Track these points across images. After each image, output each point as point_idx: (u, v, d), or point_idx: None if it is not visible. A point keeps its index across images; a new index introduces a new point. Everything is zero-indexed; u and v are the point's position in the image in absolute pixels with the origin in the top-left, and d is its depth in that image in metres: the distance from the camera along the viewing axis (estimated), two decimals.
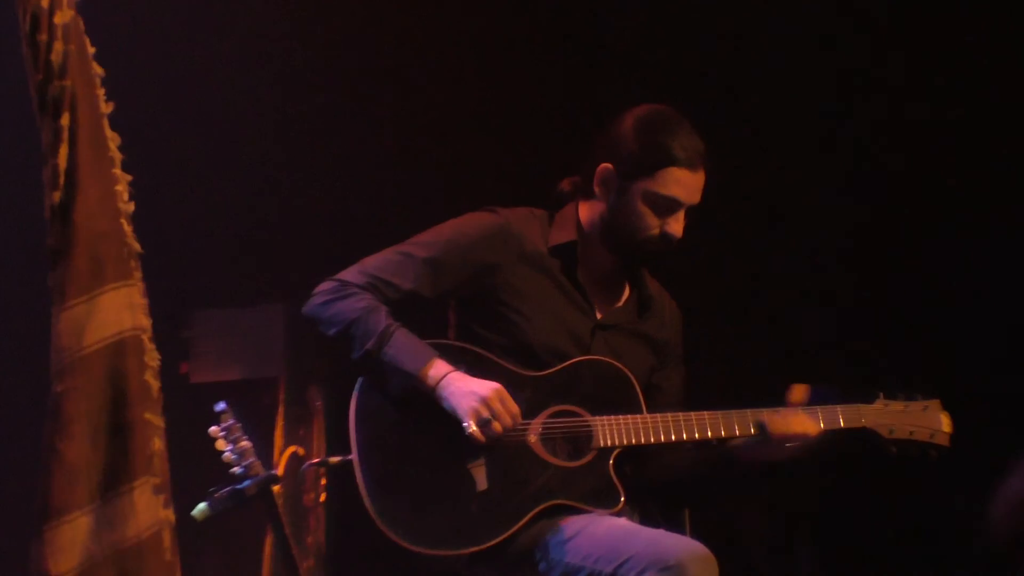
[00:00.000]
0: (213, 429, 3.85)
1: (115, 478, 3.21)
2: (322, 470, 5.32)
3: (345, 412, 3.92)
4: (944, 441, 3.96)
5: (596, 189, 4.03)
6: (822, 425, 3.90)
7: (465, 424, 3.78)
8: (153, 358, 3.34)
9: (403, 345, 3.85)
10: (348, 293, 3.91)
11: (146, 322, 3.35)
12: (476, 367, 3.89)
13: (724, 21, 5.45)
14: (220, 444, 3.87)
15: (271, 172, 5.49)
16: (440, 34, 5.48)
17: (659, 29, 5.48)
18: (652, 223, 3.98)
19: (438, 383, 3.82)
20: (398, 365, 3.84)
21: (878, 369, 4.93)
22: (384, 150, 5.53)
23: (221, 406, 3.89)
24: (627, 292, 4.15)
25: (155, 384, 3.34)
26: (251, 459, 3.87)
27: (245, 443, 3.88)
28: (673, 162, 3.96)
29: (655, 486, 4.09)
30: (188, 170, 5.24)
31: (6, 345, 4.98)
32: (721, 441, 3.93)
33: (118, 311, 3.30)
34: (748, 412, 3.90)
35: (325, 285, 3.95)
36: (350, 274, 3.95)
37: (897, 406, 3.97)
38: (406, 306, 3.94)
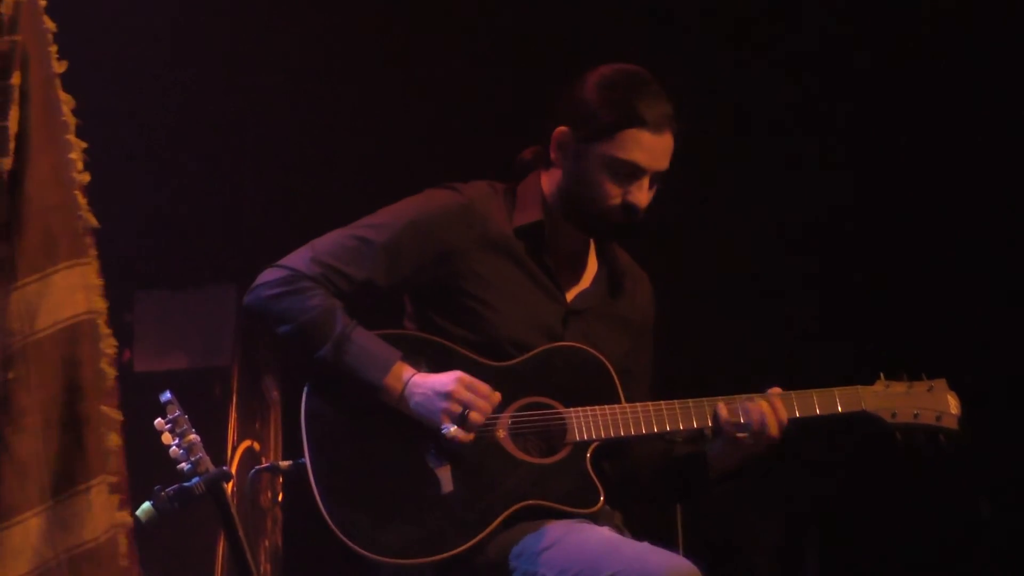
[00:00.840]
0: (158, 422, 3.61)
1: (69, 476, 2.98)
2: None
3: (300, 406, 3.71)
4: (952, 424, 3.73)
5: (552, 155, 3.74)
6: (797, 413, 3.64)
7: (443, 429, 3.56)
8: (109, 345, 3.12)
9: (361, 352, 3.58)
10: (299, 288, 3.63)
11: (101, 305, 3.12)
12: (438, 360, 3.64)
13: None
14: (166, 438, 3.64)
15: (221, 139, 5.31)
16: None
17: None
18: (612, 191, 3.69)
19: (400, 393, 3.58)
20: (357, 375, 3.57)
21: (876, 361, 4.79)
22: (342, 121, 5.36)
23: (166, 396, 3.66)
24: (595, 268, 3.90)
25: (111, 373, 3.11)
26: (199, 454, 3.64)
27: (193, 437, 3.65)
28: (634, 123, 3.66)
29: (634, 484, 3.90)
30: (130, 136, 5.05)
31: None
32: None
33: (72, 292, 3.07)
34: (721, 399, 3.65)
35: (272, 273, 3.67)
36: (300, 261, 3.67)
37: (899, 387, 3.74)
38: (359, 296, 3.69)
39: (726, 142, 5.27)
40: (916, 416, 3.72)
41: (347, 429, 3.63)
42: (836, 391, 3.70)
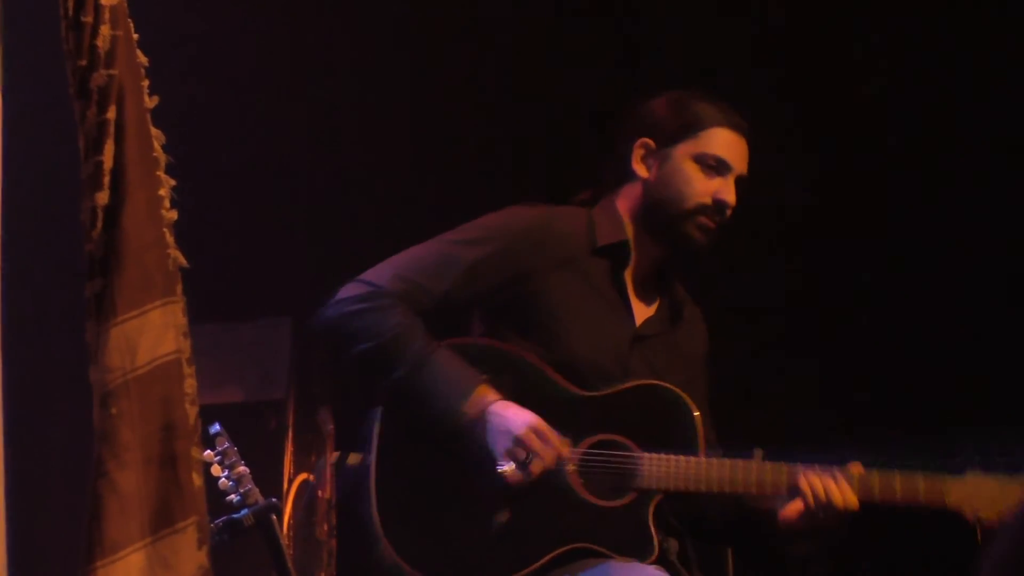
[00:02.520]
0: (207, 454, 3.68)
1: (168, 515, 2.99)
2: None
3: (354, 438, 3.73)
4: None
5: (636, 167, 3.83)
6: (876, 496, 3.64)
7: (502, 468, 3.59)
8: (191, 385, 3.13)
9: (441, 374, 3.62)
10: (381, 305, 3.66)
11: (186, 344, 3.15)
12: (525, 383, 3.67)
13: None
14: (215, 470, 3.71)
15: (277, 173, 5.33)
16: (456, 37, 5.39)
17: None
18: (703, 188, 3.79)
19: (478, 416, 3.60)
20: (434, 396, 3.61)
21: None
22: (397, 155, 5.37)
23: (215, 428, 3.73)
24: (658, 298, 3.94)
25: (193, 413, 3.12)
26: (248, 486, 3.71)
27: (242, 469, 3.71)
28: (717, 123, 3.81)
29: (698, 526, 3.92)
30: (185, 168, 5.07)
31: None
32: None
33: (166, 330, 3.09)
34: (801, 468, 3.67)
35: (354, 288, 3.70)
36: (382, 277, 3.70)
37: (991, 485, 3.62)
38: (437, 312, 3.73)
39: None
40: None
41: (417, 441, 3.66)
42: (921, 479, 3.64)
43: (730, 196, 3.81)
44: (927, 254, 5.35)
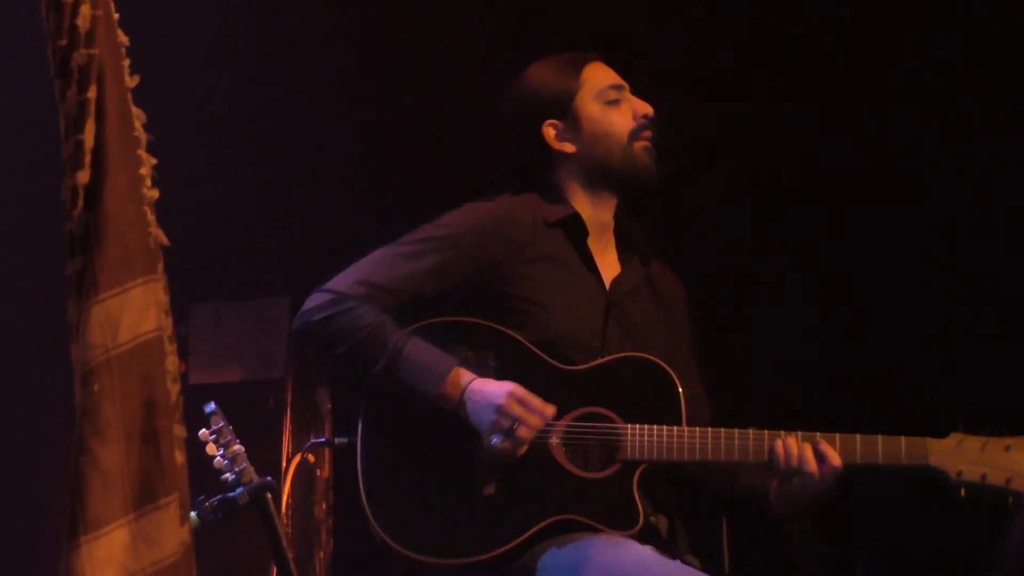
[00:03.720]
0: (203, 432, 3.73)
1: (150, 491, 3.00)
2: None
3: (353, 415, 3.77)
4: (1023, 487, 3.61)
5: (558, 148, 3.90)
6: (858, 458, 3.65)
7: (492, 442, 3.62)
8: (173, 363, 3.13)
9: (414, 366, 3.67)
10: (346, 308, 3.72)
11: (167, 322, 3.14)
12: (507, 358, 3.71)
13: None
14: (210, 448, 3.74)
15: (277, 154, 5.36)
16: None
17: None
18: (623, 116, 3.88)
19: (458, 400, 3.65)
20: (414, 388, 3.66)
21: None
22: (396, 134, 5.41)
23: (211, 407, 3.77)
24: (617, 252, 3.99)
25: (175, 390, 3.14)
26: (243, 465, 3.74)
27: (237, 447, 3.74)
28: (580, 63, 3.93)
29: (690, 496, 3.94)
30: (187, 149, 5.09)
31: None
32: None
33: (147, 308, 3.08)
34: (781, 434, 3.69)
35: (318, 298, 3.76)
36: (344, 284, 3.75)
37: (973, 443, 3.65)
38: (407, 310, 3.76)
39: None
40: (984, 477, 3.63)
41: (402, 421, 3.72)
42: (904, 440, 3.66)
43: (646, 106, 3.92)
44: (930, 242, 5.36)
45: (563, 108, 3.92)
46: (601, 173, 3.91)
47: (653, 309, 3.96)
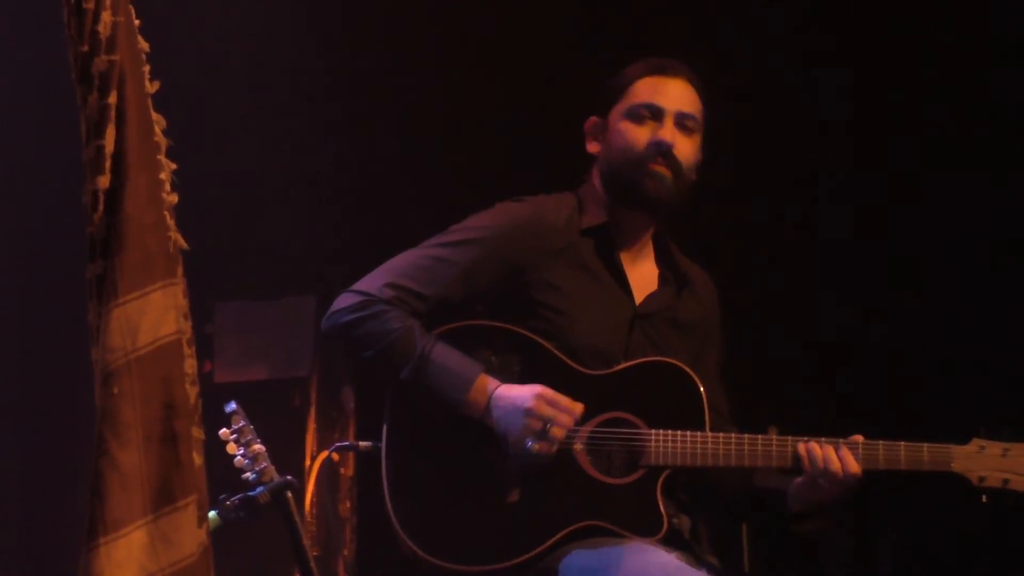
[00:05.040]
0: (223, 432, 3.75)
1: (168, 493, 3.04)
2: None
3: (378, 415, 3.79)
4: None
5: (589, 147, 3.90)
6: (881, 465, 3.67)
7: (527, 446, 3.64)
8: (192, 366, 3.16)
9: (441, 371, 3.68)
10: (375, 312, 3.73)
11: (186, 326, 3.17)
12: (530, 363, 3.73)
13: None
14: (231, 448, 3.77)
15: (300, 154, 5.36)
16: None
17: None
18: (639, 136, 3.83)
19: (484, 406, 3.66)
20: (440, 393, 3.68)
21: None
22: (423, 135, 5.42)
23: (231, 407, 3.80)
24: (658, 271, 3.96)
25: (193, 393, 3.17)
26: (264, 464, 3.76)
27: (258, 447, 3.76)
28: (639, 75, 3.87)
29: (709, 502, 3.95)
30: (210, 148, 5.11)
31: None
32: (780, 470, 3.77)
33: (166, 311, 3.12)
34: (803, 439, 3.71)
35: (347, 299, 3.77)
36: (373, 285, 3.76)
37: (995, 449, 3.68)
38: (434, 313, 3.77)
39: None
40: (1005, 482, 3.68)
41: (427, 426, 3.73)
42: (925, 447, 3.69)
43: (666, 135, 3.83)
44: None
45: (606, 108, 3.93)
46: (613, 184, 3.90)
47: (679, 333, 3.95)
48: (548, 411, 3.64)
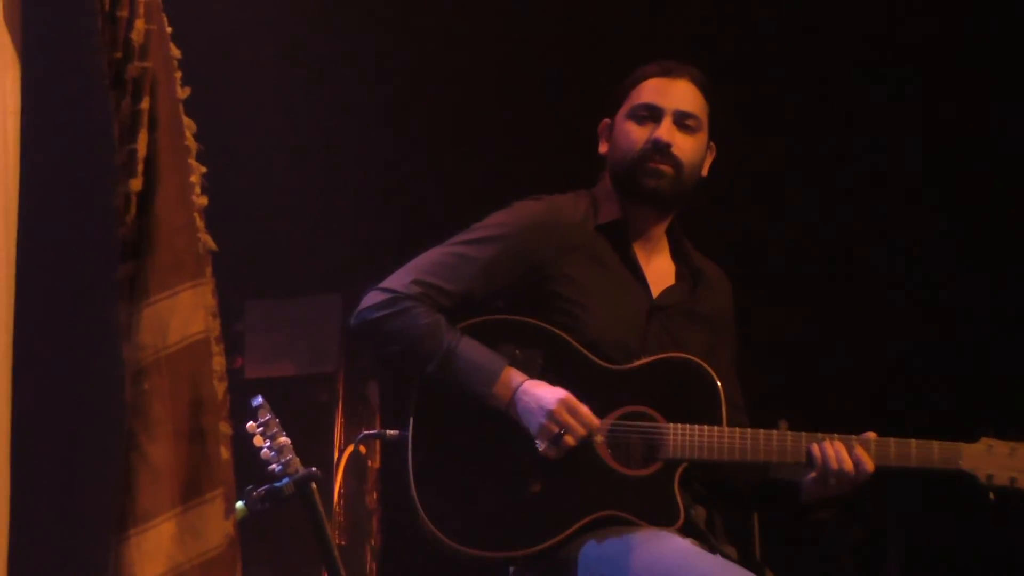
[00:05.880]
0: (250, 425, 3.80)
1: (197, 486, 3.07)
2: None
3: (402, 409, 3.81)
4: None
5: (600, 148, 3.94)
6: (892, 461, 3.68)
7: (537, 446, 3.66)
8: (219, 363, 3.18)
9: (467, 364, 3.71)
10: (403, 308, 3.75)
11: (214, 324, 3.19)
12: (554, 357, 3.74)
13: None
14: (257, 441, 3.81)
15: (328, 156, 5.39)
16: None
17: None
18: (638, 136, 3.85)
19: (509, 399, 3.69)
20: (466, 386, 3.70)
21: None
22: (443, 134, 5.43)
23: (257, 401, 3.84)
24: (674, 267, 3.98)
25: (221, 389, 3.19)
26: (289, 456, 3.81)
27: (283, 440, 3.81)
28: (643, 77, 3.89)
29: (723, 493, 3.97)
30: (241, 152, 5.14)
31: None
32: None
33: (195, 310, 3.14)
34: (818, 437, 3.71)
35: (375, 296, 3.79)
36: (400, 283, 3.79)
37: (1002, 448, 3.70)
38: (458, 309, 3.80)
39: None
40: (1013, 481, 3.69)
41: (452, 417, 3.74)
42: (936, 444, 3.70)
43: (663, 134, 3.84)
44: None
45: (614, 109, 3.95)
46: (619, 181, 3.92)
47: (695, 326, 3.97)
48: (568, 419, 3.66)
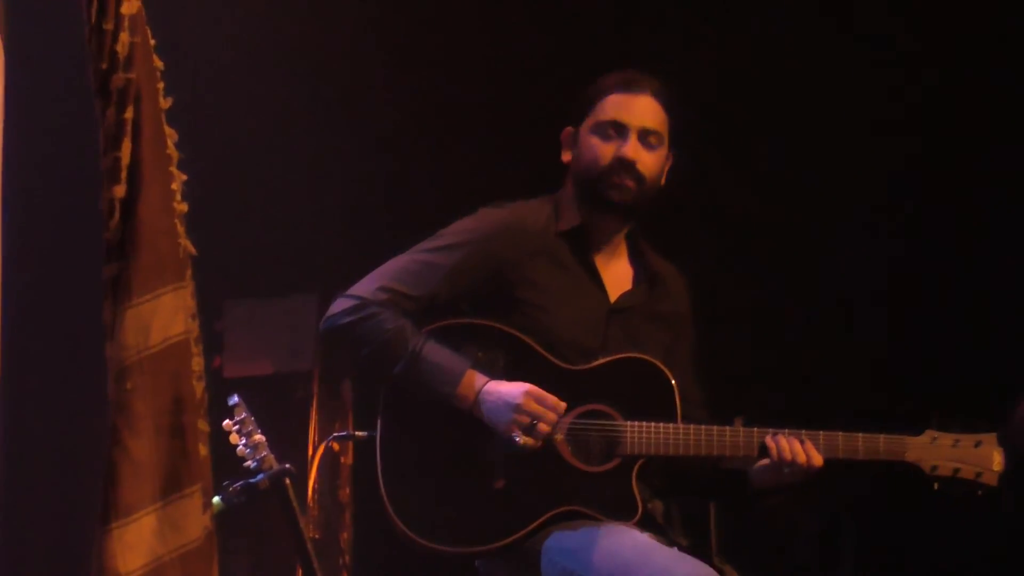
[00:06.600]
0: (227, 423, 3.85)
1: (176, 481, 3.11)
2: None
3: (374, 407, 3.86)
4: (992, 480, 3.75)
5: (563, 156, 3.96)
6: (840, 454, 3.75)
7: (514, 438, 3.71)
8: (198, 363, 3.24)
9: (432, 367, 3.76)
10: (369, 314, 3.80)
11: (194, 326, 3.25)
12: (514, 357, 3.80)
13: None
14: (234, 438, 3.88)
15: (303, 161, 5.41)
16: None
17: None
18: (604, 152, 3.87)
19: (473, 400, 3.74)
20: (430, 388, 3.75)
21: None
22: (420, 139, 5.46)
23: (234, 400, 3.90)
24: (632, 271, 4.03)
25: (200, 388, 3.24)
26: (264, 453, 3.87)
27: (258, 437, 3.87)
28: (608, 90, 3.90)
29: (678, 486, 4.03)
30: (219, 157, 5.15)
31: None
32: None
33: (176, 312, 3.19)
34: (770, 431, 3.78)
35: (343, 303, 3.84)
36: (366, 289, 3.84)
37: (946, 440, 3.78)
38: (424, 312, 3.85)
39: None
40: (956, 472, 3.76)
41: (418, 419, 3.79)
42: (882, 438, 3.78)
43: (628, 152, 3.86)
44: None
45: (576, 122, 3.97)
46: (582, 192, 3.95)
47: (653, 326, 4.02)
48: (535, 408, 3.71)
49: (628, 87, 3.92)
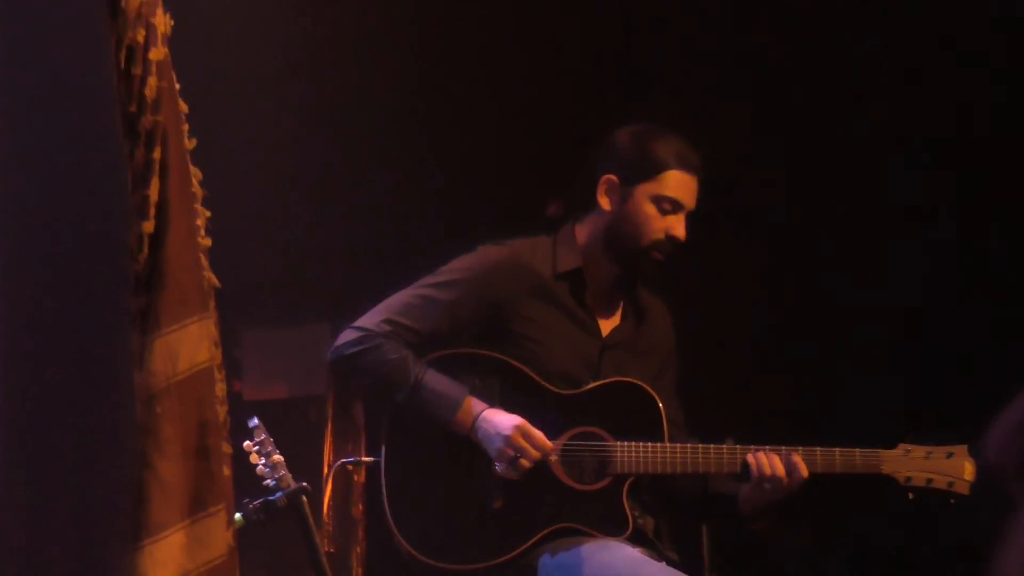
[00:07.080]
0: (247, 444, 3.95)
1: (202, 500, 3.23)
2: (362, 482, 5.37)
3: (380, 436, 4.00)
4: (963, 490, 3.88)
5: (600, 200, 4.04)
6: (818, 469, 3.89)
7: (496, 468, 3.83)
8: (222, 388, 3.36)
9: (432, 395, 3.91)
10: (374, 344, 3.96)
11: (217, 354, 3.36)
12: (511, 385, 3.96)
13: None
14: (253, 458, 3.97)
15: (315, 198, 5.51)
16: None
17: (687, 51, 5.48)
18: (658, 226, 4.01)
19: (470, 426, 3.88)
20: (431, 414, 3.90)
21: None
22: (430, 173, 5.53)
23: (254, 422, 4.01)
24: (623, 306, 4.17)
25: (223, 412, 3.36)
26: (282, 472, 3.97)
27: (277, 457, 3.97)
28: (673, 165, 4.00)
29: (669, 505, 4.15)
30: (236, 193, 5.20)
31: None
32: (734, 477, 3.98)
33: (201, 341, 3.31)
34: (751, 448, 3.92)
35: (349, 335, 4.00)
36: (372, 322, 3.99)
37: (919, 452, 3.90)
38: (425, 345, 3.98)
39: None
40: (929, 482, 3.90)
41: (420, 443, 3.97)
42: (858, 452, 3.91)
43: (680, 232, 4.03)
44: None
45: (629, 177, 4.05)
46: (614, 247, 4.06)
47: (640, 360, 4.15)
48: (522, 444, 3.86)
49: (687, 166, 4.03)
